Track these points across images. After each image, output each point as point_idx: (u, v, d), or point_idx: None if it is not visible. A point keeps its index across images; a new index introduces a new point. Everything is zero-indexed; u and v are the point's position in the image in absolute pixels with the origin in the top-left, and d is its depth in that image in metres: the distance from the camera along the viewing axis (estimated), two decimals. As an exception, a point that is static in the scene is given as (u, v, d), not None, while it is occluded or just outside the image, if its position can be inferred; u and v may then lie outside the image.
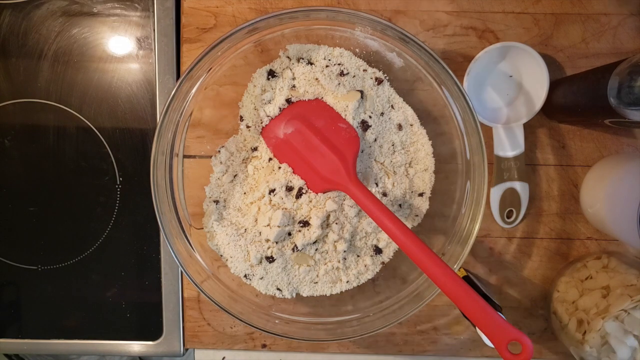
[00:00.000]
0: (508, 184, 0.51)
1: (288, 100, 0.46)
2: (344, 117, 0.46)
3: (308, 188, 0.46)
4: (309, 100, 0.46)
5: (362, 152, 0.47)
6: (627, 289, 0.44)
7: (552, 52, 0.51)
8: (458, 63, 0.51)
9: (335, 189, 0.45)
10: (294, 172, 0.46)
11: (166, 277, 0.55)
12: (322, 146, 0.45)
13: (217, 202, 0.48)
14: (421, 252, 0.39)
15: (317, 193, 0.46)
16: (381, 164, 0.48)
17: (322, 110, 0.46)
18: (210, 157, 0.49)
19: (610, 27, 0.51)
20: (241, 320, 0.43)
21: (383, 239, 0.48)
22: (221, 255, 0.47)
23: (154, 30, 0.53)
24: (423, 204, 0.49)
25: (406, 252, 0.40)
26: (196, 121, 0.47)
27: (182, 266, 0.43)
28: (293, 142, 0.46)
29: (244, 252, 0.47)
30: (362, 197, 0.43)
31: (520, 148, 0.50)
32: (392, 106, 0.48)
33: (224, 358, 0.56)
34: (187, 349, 0.56)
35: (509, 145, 0.50)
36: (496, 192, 0.51)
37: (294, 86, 0.47)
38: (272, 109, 0.46)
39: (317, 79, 0.46)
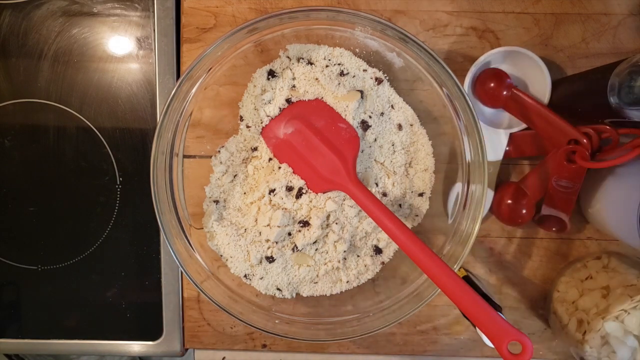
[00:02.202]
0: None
1: (288, 100, 0.46)
2: (344, 117, 0.46)
3: (308, 188, 0.46)
4: (309, 100, 0.46)
5: (362, 152, 0.47)
6: (627, 289, 0.44)
7: (552, 52, 0.51)
8: (458, 63, 0.51)
9: (335, 189, 0.45)
10: (294, 172, 0.46)
11: (166, 277, 0.55)
12: (322, 146, 0.45)
13: (217, 202, 0.48)
14: (421, 252, 0.39)
15: (317, 193, 0.46)
16: (381, 164, 0.48)
17: (322, 110, 0.46)
18: (210, 157, 0.49)
19: (610, 27, 0.51)
20: (241, 320, 0.43)
21: (383, 239, 0.48)
22: (221, 255, 0.47)
23: (154, 30, 0.53)
24: (423, 204, 0.49)
25: (406, 252, 0.40)
26: (196, 121, 0.47)
27: (182, 266, 0.43)
28: (293, 142, 0.46)
29: (244, 252, 0.47)
30: (362, 197, 0.43)
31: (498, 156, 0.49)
32: (392, 106, 0.48)
33: (224, 358, 0.56)
34: (187, 349, 0.56)
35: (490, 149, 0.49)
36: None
37: (294, 86, 0.47)
38: (272, 109, 0.46)
39: (317, 79, 0.46)
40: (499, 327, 0.35)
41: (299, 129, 0.46)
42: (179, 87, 0.42)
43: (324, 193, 0.46)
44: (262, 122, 0.47)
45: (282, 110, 0.47)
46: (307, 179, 0.46)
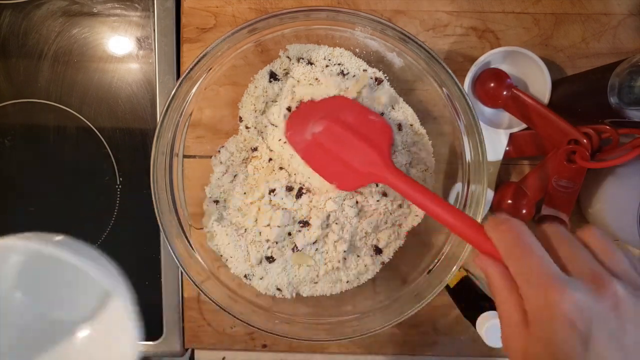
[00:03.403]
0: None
1: (296, 102, 0.46)
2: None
3: (339, 189, 0.45)
4: (330, 97, 0.45)
5: (362, 152, 0.47)
6: (627, 289, 0.44)
7: (552, 52, 0.51)
8: (458, 63, 0.51)
9: (372, 182, 0.44)
10: (324, 178, 0.45)
11: (166, 277, 0.55)
12: (355, 140, 0.43)
13: (217, 202, 0.48)
14: (477, 236, 0.34)
15: (349, 191, 0.45)
16: (381, 164, 0.48)
17: (348, 106, 0.45)
18: (210, 157, 0.49)
19: (610, 27, 0.51)
20: (241, 320, 0.43)
21: (383, 239, 0.48)
22: (221, 255, 0.47)
23: (154, 30, 0.53)
24: (423, 204, 0.48)
25: (461, 236, 0.36)
26: (196, 121, 0.47)
27: (182, 266, 0.43)
28: (323, 142, 0.44)
29: (244, 252, 0.47)
30: (403, 184, 0.41)
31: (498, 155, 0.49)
32: (392, 106, 0.48)
33: (224, 358, 0.56)
34: (187, 349, 0.56)
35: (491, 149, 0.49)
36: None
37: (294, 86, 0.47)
38: (280, 111, 0.46)
39: (317, 78, 0.46)
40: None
41: (328, 127, 0.44)
42: (179, 87, 0.42)
43: (355, 190, 0.45)
44: (277, 126, 0.46)
45: (293, 110, 0.46)
46: (339, 178, 0.44)
